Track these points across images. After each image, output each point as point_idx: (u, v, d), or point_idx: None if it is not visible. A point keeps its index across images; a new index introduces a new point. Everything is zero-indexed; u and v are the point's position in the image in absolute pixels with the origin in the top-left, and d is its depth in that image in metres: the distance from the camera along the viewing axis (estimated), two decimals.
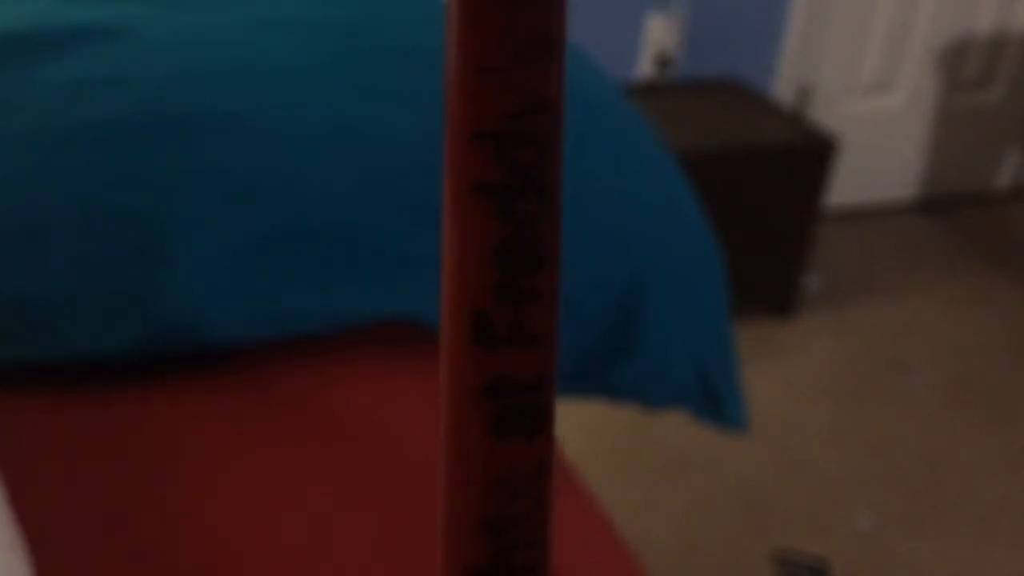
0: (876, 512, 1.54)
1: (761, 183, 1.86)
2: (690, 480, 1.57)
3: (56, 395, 0.62)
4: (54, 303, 0.61)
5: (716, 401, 0.87)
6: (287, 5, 0.77)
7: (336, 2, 0.79)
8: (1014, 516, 1.56)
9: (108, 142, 0.63)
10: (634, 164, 0.84)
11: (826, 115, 2.22)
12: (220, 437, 0.61)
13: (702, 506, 1.52)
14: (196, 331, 0.62)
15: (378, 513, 0.57)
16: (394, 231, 0.68)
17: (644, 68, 2.04)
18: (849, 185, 2.32)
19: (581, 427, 1.58)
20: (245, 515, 0.57)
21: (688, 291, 0.85)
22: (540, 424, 0.21)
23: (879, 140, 2.37)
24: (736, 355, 0.91)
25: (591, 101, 0.79)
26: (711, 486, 1.56)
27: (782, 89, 2.18)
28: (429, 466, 0.60)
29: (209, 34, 0.72)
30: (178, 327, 0.62)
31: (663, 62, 2.03)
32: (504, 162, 0.20)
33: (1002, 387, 1.87)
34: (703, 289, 0.87)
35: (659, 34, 2.00)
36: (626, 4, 1.97)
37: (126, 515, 0.56)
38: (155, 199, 0.63)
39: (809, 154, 1.88)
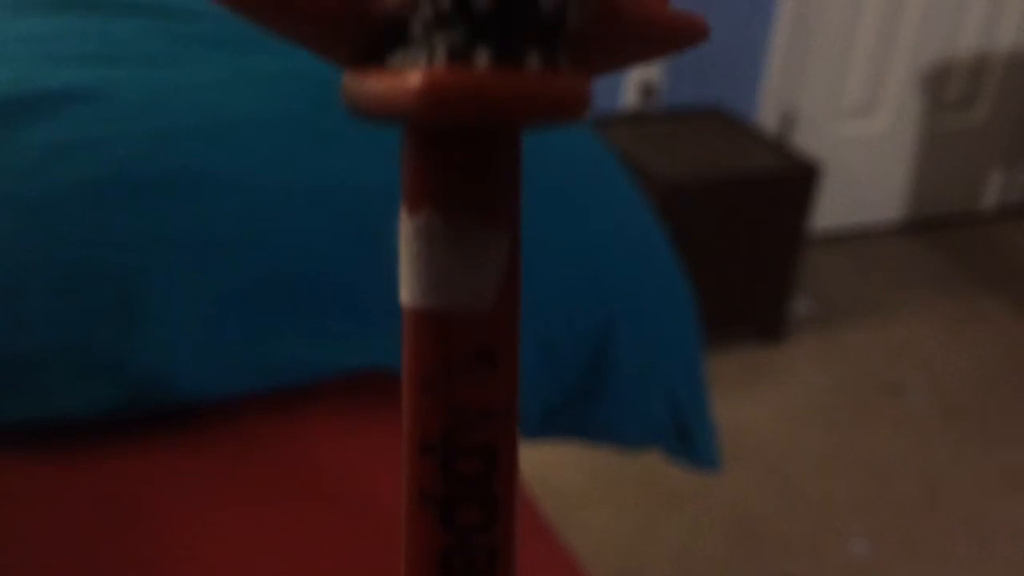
0: (872, 537, 1.54)
1: (747, 210, 1.87)
2: (684, 509, 1.56)
3: (28, 451, 0.62)
4: (30, 363, 0.61)
5: (689, 440, 0.87)
6: (262, 59, 0.78)
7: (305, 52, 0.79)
8: (1012, 539, 1.56)
9: (83, 203, 0.64)
10: (604, 204, 0.84)
11: (811, 140, 2.23)
12: (194, 493, 0.61)
13: (697, 535, 1.52)
14: (171, 388, 0.62)
15: (352, 568, 0.56)
16: (367, 280, 0.68)
17: (629, 97, 2.05)
18: (836, 208, 2.33)
19: (572, 457, 1.57)
20: (219, 571, 0.56)
21: (659, 330, 0.85)
22: None
23: (865, 163, 2.38)
24: (708, 394, 0.91)
25: (559, 144, 0.79)
26: (705, 515, 1.56)
27: (766, 116, 2.19)
28: (399, 522, 0.60)
29: (184, 92, 0.73)
30: (153, 384, 0.62)
31: (647, 91, 2.04)
32: (447, 474, 0.21)
33: (997, 407, 1.87)
34: (674, 327, 0.87)
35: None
36: None
37: (99, 572, 0.56)
38: (129, 258, 0.63)
39: (793, 180, 1.89)
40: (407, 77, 0.17)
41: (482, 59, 0.17)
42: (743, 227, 1.88)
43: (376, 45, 0.19)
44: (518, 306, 0.21)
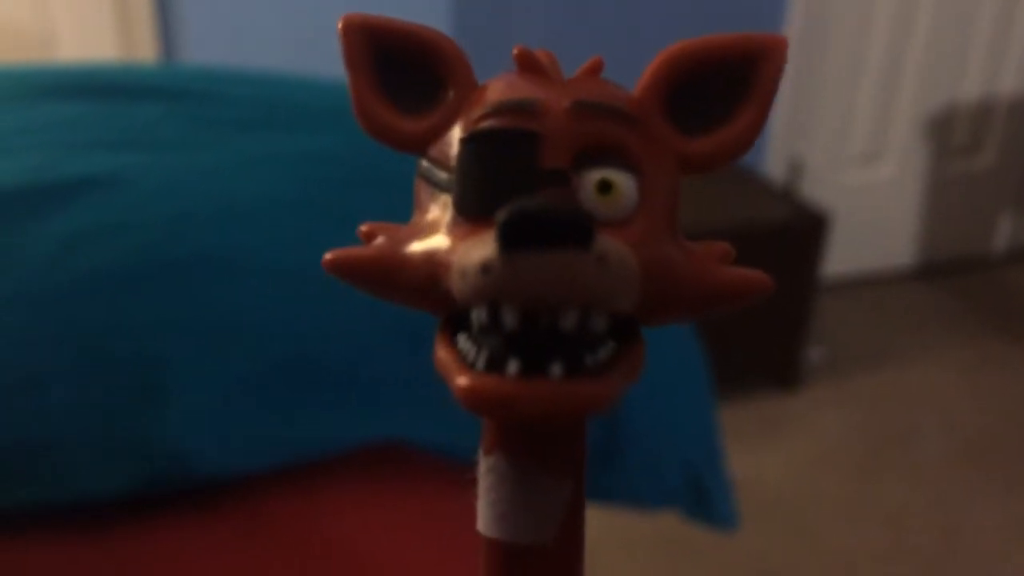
0: None
1: (757, 260, 1.84)
2: (704, 561, 1.55)
3: (43, 531, 0.62)
4: (52, 449, 0.62)
5: (706, 501, 0.88)
6: (281, 140, 0.80)
7: (321, 131, 0.81)
8: None
9: (101, 291, 0.65)
10: None
11: (819, 189, 2.24)
12: (209, 570, 0.62)
13: None
14: (190, 469, 0.63)
15: None
16: (383, 355, 0.69)
17: None
18: (846, 255, 2.34)
19: (590, 512, 1.57)
20: None
21: (673, 394, 0.86)
22: None
23: (873, 210, 2.39)
24: (723, 454, 0.92)
25: None
26: (728, 568, 1.55)
27: (773, 166, 2.21)
28: None
29: (202, 176, 0.74)
30: (173, 467, 0.63)
31: None
32: None
33: (1013, 452, 1.86)
34: (687, 390, 0.88)
35: None
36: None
37: None
38: (147, 344, 0.64)
39: (803, 229, 1.90)
40: (456, 378, 0.21)
41: (512, 369, 0.20)
42: None
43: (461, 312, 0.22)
44: (581, 542, 0.24)
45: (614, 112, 0.24)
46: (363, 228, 0.25)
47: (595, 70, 0.26)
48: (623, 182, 0.23)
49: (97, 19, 1.81)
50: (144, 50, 1.83)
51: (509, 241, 0.20)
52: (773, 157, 2.21)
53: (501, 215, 0.20)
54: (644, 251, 0.22)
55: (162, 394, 0.63)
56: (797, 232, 1.90)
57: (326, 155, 0.77)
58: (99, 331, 0.64)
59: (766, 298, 0.25)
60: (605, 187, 0.23)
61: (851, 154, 2.33)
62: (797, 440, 1.87)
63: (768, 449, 1.83)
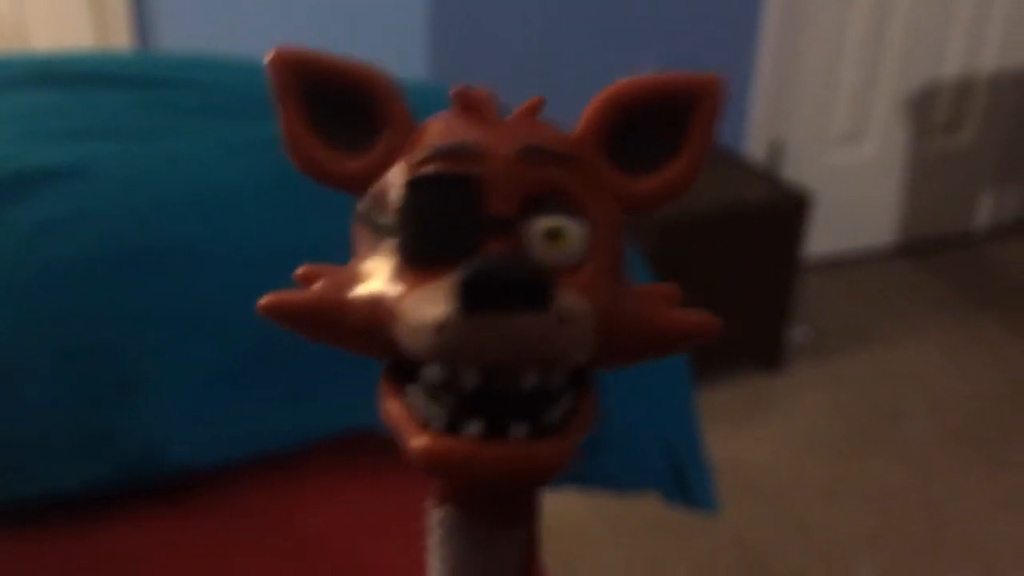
0: (879, 567, 1.53)
1: (739, 241, 1.88)
2: (693, 543, 1.55)
3: (19, 528, 0.62)
4: (25, 444, 0.61)
5: (685, 485, 0.88)
6: (252, 126, 0.79)
7: None
8: (1018, 562, 1.55)
9: (70, 282, 0.64)
10: None
11: (799, 169, 2.24)
12: (182, 561, 0.61)
13: (706, 570, 1.51)
14: (162, 461, 0.63)
15: None
16: None
17: None
18: (828, 235, 2.34)
19: (578, 495, 1.57)
20: None
21: (651, 378, 0.85)
22: None
23: (855, 190, 2.39)
24: (702, 438, 0.92)
25: None
26: (714, 548, 1.55)
27: (754, 147, 2.20)
28: None
29: (172, 164, 0.73)
30: (146, 458, 0.62)
31: None
32: None
33: (997, 429, 1.87)
34: (666, 375, 0.88)
35: None
36: (595, 67, 2.00)
37: None
38: (116, 335, 0.63)
39: (784, 210, 1.90)
40: (411, 438, 0.20)
41: (472, 430, 0.20)
42: (737, 259, 1.89)
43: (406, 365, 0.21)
44: None
45: (560, 157, 0.23)
46: (300, 271, 0.24)
47: (534, 110, 0.25)
48: (572, 228, 0.23)
49: (71, 8, 1.79)
50: (119, 39, 1.81)
51: (469, 302, 0.19)
52: (754, 138, 2.20)
53: (460, 274, 0.19)
54: (597, 299, 0.22)
55: (133, 386, 0.62)
56: (779, 213, 1.90)
57: None
58: (67, 322, 0.63)
59: (712, 339, 0.25)
60: (554, 234, 0.23)
61: (832, 134, 2.33)
62: (781, 421, 1.88)
63: (752, 430, 1.84)
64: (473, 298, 0.19)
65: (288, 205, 0.72)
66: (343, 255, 0.79)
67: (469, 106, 0.24)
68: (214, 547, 0.62)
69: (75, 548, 0.61)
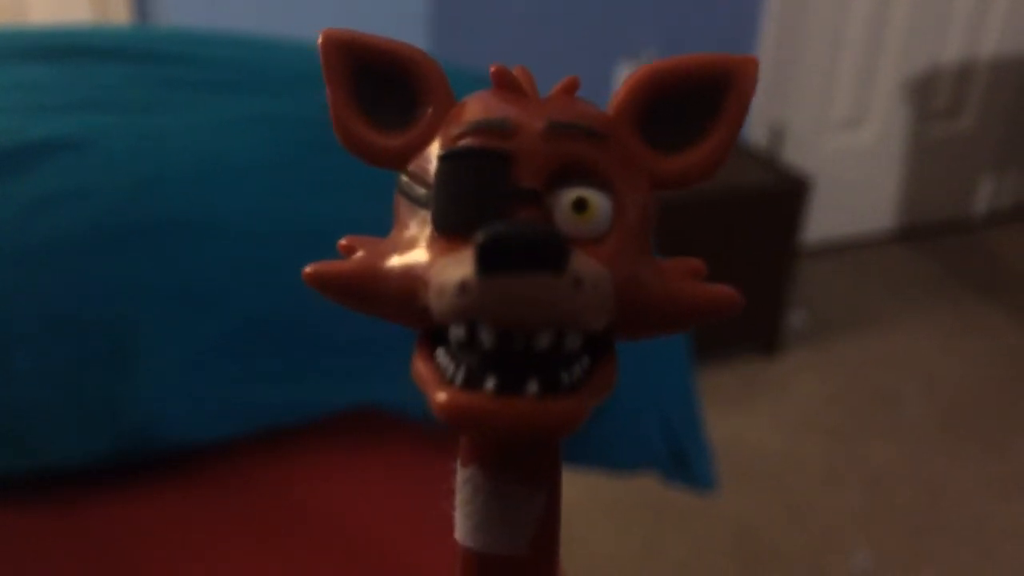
0: (876, 550, 1.53)
1: (739, 225, 1.88)
2: (687, 526, 1.56)
3: (14, 501, 0.62)
4: (20, 415, 0.61)
5: (684, 463, 0.88)
6: (251, 101, 0.78)
7: (294, 94, 0.80)
8: (1016, 546, 1.56)
9: (69, 254, 0.64)
10: None
11: (800, 154, 2.24)
12: (183, 536, 0.61)
13: (702, 552, 1.51)
14: (162, 434, 0.63)
15: None
16: (358, 319, 0.69)
17: None
18: (828, 220, 2.34)
19: (572, 476, 1.57)
20: None
21: (651, 354, 0.85)
22: None
23: (855, 174, 2.39)
24: (702, 416, 0.92)
25: None
26: (709, 531, 1.55)
27: (755, 131, 2.20)
28: (391, 556, 0.60)
29: (171, 138, 0.73)
30: (144, 432, 0.62)
31: None
32: None
33: (995, 413, 1.88)
34: (665, 352, 0.88)
35: None
36: (595, 52, 1.99)
37: None
38: (117, 307, 0.63)
39: (784, 194, 1.90)
40: (434, 392, 0.21)
41: (489, 385, 0.21)
42: (736, 242, 1.89)
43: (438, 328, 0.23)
44: (554, 551, 0.25)
45: (588, 132, 0.24)
46: (343, 242, 0.25)
47: (570, 89, 0.26)
48: (597, 201, 0.24)
49: None
50: (118, 15, 1.80)
51: (486, 264, 0.20)
52: (755, 122, 2.20)
53: (479, 237, 0.20)
54: (617, 269, 0.23)
55: (131, 359, 0.62)
56: (779, 197, 1.90)
57: (299, 118, 0.76)
58: (66, 295, 0.63)
59: (736, 313, 0.25)
60: (580, 205, 0.24)
61: (833, 119, 2.33)
62: (779, 404, 1.88)
63: (750, 413, 1.84)
64: (489, 260, 0.20)
65: (287, 179, 0.72)
66: (341, 230, 0.79)
67: (507, 84, 0.25)
68: (213, 523, 0.62)
69: (73, 522, 0.61)
